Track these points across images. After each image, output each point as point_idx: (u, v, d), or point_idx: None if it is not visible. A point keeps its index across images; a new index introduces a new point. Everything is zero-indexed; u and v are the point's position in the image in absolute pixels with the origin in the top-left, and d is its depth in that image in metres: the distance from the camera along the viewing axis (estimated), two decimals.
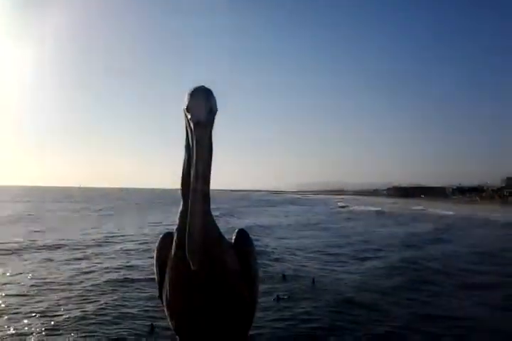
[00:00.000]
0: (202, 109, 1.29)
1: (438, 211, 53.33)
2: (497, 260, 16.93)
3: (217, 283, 1.37)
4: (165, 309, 1.50)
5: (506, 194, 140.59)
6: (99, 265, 13.79)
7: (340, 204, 78.90)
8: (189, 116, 1.31)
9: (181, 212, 1.38)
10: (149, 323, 7.84)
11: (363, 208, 60.01)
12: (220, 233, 1.44)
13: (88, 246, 17.83)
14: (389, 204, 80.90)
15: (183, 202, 1.37)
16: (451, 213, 48.88)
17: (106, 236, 21.20)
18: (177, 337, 1.52)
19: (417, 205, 71.09)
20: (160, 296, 1.54)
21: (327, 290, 11.02)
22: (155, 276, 1.55)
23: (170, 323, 1.51)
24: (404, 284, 12.25)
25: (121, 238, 20.92)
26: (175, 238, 1.40)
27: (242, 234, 1.58)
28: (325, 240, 22.66)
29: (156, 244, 1.53)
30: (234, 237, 1.56)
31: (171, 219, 23.22)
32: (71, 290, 10.43)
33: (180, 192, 1.40)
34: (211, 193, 1.36)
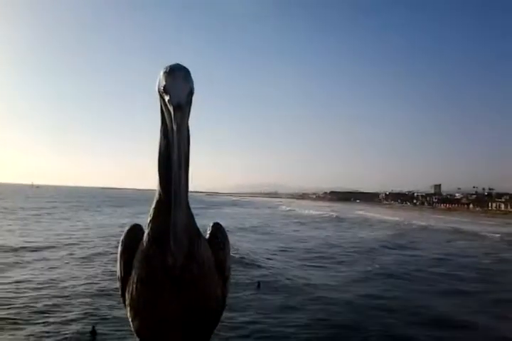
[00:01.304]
0: (182, 90, 1.15)
1: (380, 216, 55.33)
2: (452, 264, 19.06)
3: (194, 279, 1.24)
4: (127, 308, 1.32)
5: (435, 200, 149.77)
6: None
7: (284, 207, 79.88)
8: (167, 98, 1.15)
9: (157, 203, 1.24)
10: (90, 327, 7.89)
11: (311, 212, 60.88)
12: (197, 226, 1.31)
13: None
14: (332, 208, 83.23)
15: (162, 192, 1.22)
16: (396, 219, 50.85)
17: None
18: (137, 339, 1.34)
19: (357, 210, 73.71)
20: (122, 294, 1.35)
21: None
22: (117, 272, 1.36)
23: (131, 324, 1.32)
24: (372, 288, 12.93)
25: None
26: (147, 230, 1.26)
27: (218, 227, 1.46)
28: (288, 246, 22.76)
29: (122, 237, 1.37)
30: (209, 231, 1.44)
31: None
32: None
33: (157, 180, 1.24)
34: None
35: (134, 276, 1.29)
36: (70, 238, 21.39)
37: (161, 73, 1.19)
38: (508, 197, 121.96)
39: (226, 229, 1.47)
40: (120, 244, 1.37)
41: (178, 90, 1.15)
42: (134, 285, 1.28)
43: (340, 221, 45.57)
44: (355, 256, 19.85)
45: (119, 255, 1.37)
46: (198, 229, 1.32)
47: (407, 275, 15.61)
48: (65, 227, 26.38)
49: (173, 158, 1.13)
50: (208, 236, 1.42)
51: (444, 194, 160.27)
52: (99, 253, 16.78)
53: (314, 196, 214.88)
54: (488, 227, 43.39)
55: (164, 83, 1.16)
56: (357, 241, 26.07)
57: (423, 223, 45.24)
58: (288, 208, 77.98)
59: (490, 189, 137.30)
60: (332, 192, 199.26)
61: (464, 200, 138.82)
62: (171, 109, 1.15)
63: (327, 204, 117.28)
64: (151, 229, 1.25)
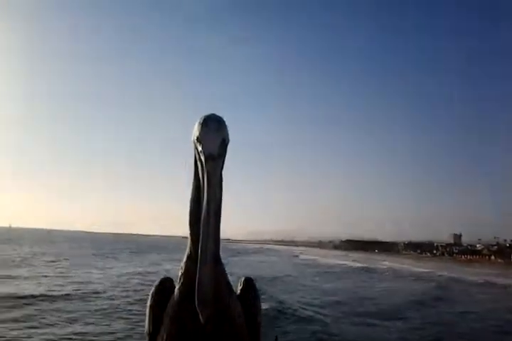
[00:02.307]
0: (214, 140, 1.19)
1: (409, 267, 55.00)
2: None
3: (225, 337, 1.24)
4: None
5: (455, 251, 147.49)
6: None
7: (306, 256, 79.73)
8: (199, 148, 1.20)
9: (188, 257, 1.25)
10: None
11: (337, 262, 60.76)
12: (228, 282, 1.32)
13: None
14: (352, 257, 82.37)
15: (192, 247, 1.22)
16: (426, 270, 50.74)
17: None
18: None
19: (381, 261, 73.03)
20: None
21: None
22: (145, 326, 1.35)
23: None
24: None
25: None
26: (178, 285, 1.26)
27: (249, 283, 1.46)
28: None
29: (152, 290, 1.36)
30: (240, 287, 1.45)
31: None
32: None
33: (189, 234, 1.24)
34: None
35: (163, 333, 1.26)
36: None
37: (196, 123, 1.23)
38: None
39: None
40: (150, 298, 1.35)
41: (210, 141, 1.18)
42: None
43: (370, 271, 45.56)
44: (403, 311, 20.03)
45: (148, 309, 1.34)
46: (229, 285, 1.31)
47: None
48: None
49: (203, 213, 1.11)
50: (239, 291, 1.43)
51: (465, 244, 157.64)
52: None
53: (331, 245, 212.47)
54: None
55: (198, 133, 1.21)
56: (402, 294, 26.25)
57: (453, 275, 45.16)
58: (312, 257, 78.51)
59: None
60: (348, 241, 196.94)
61: (485, 251, 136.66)
62: (203, 159, 1.18)
63: (344, 253, 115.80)
64: (182, 284, 1.25)
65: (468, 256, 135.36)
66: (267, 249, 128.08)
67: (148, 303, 1.34)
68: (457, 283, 38.23)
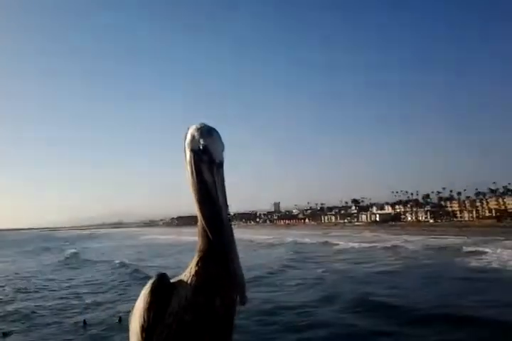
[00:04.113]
0: (220, 148, 1.33)
1: (249, 236, 61.39)
2: None
3: (232, 318, 1.37)
4: None
5: (275, 217, 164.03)
6: None
7: (146, 237, 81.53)
8: (205, 157, 1.31)
9: (203, 254, 1.33)
10: None
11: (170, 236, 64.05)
12: None
13: None
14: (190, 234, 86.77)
15: (209, 245, 1.31)
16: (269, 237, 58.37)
17: None
18: None
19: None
20: None
21: None
22: (139, 322, 1.36)
23: None
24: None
25: None
26: (191, 280, 1.33)
27: None
28: None
29: (149, 287, 1.37)
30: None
31: None
32: None
33: (202, 234, 1.33)
34: None
35: (170, 324, 1.32)
36: None
37: (197, 133, 1.34)
38: (337, 210, 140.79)
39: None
40: (148, 294, 1.37)
41: (218, 149, 1.32)
42: (171, 331, 1.32)
43: None
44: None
45: (147, 304, 1.36)
46: None
47: None
48: None
49: (223, 213, 1.29)
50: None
51: (283, 211, 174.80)
52: None
53: (161, 222, 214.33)
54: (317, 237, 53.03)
55: (204, 142, 1.31)
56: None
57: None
58: (149, 236, 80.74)
59: (322, 204, 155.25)
60: (179, 218, 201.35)
61: (300, 216, 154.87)
62: (214, 166, 1.31)
63: (177, 229, 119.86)
64: (196, 280, 1.32)
65: (287, 221, 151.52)
66: (104, 233, 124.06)
67: (147, 299, 1.36)
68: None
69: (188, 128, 1.37)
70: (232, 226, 1.32)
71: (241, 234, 59.89)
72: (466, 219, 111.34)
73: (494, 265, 26.53)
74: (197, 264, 1.33)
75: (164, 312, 1.33)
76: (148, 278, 1.47)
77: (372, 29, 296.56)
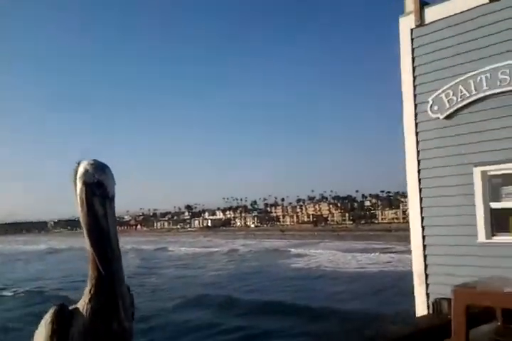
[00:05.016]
0: (114, 184, 1.43)
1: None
2: None
3: (130, 334, 1.46)
4: None
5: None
6: None
7: None
8: (99, 191, 1.40)
9: (96, 281, 1.39)
10: None
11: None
12: None
13: None
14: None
15: (103, 271, 1.37)
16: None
17: None
18: None
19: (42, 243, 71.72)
20: None
21: None
22: None
23: None
24: None
25: None
26: (86, 308, 1.39)
27: None
28: None
29: (49, 317, 1.42)
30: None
31: None
32: None
33: (93, 263, 1.38)
34: None
35: None
36: None
37: (90, 167, 1.42)
38: (170, 216, 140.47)
39: None
40: (50, 323, 1.41)
41: (112, 185, 1.42)
42: None
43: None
44: None
45: (51, 332, 1.40)
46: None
47: None
48: None
49: (112, 241, 1.38)
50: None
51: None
52: None
53: None
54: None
55: (99, 178, 1.40)
56: None
57: None
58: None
59: (154, 210, 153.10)
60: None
61: (132, 222, 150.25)
62: (108, 200, 1.41)
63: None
64: (91, 307, 1.38)
65: (119, 227, 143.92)
66: None
67: (48, 329, 1.40)
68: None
69: (79, 163, 1.44)
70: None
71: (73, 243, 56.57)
72: (288, 223, 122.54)
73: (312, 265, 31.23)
74: (89, 292, 1.40)
75: (66, 339, 1.39)
76: None
77: None
